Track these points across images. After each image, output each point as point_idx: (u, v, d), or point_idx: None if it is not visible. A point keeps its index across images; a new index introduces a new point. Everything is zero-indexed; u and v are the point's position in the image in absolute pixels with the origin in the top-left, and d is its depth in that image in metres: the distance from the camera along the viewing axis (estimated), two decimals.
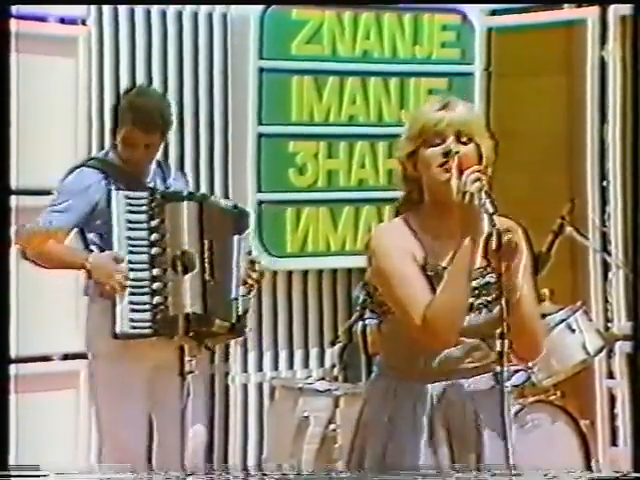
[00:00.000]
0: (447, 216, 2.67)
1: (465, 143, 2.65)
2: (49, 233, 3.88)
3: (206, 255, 3.92)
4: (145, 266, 3.87)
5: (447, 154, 2.63)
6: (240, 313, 3.97)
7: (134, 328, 3.83)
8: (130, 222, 3.88)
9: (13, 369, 4.20)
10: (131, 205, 3.89)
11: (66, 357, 4.76)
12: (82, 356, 4.30)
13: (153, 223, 3.89)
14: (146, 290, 3.86)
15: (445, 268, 2.64)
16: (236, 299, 3.96)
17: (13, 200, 4.13)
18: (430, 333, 2.60)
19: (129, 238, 3.87)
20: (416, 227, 2.69)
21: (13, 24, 4.11)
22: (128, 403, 3.91)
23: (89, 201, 3.95)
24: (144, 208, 3.89)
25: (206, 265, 3.91)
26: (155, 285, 3.86)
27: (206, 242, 3.92)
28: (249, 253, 4.08)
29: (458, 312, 2.60)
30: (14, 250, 3.94)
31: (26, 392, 4.45)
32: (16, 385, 4.22)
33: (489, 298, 2.65)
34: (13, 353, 4.11)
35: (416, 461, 2.65)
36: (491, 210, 2.60)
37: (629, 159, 5.30)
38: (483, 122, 2.72)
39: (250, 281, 4.02)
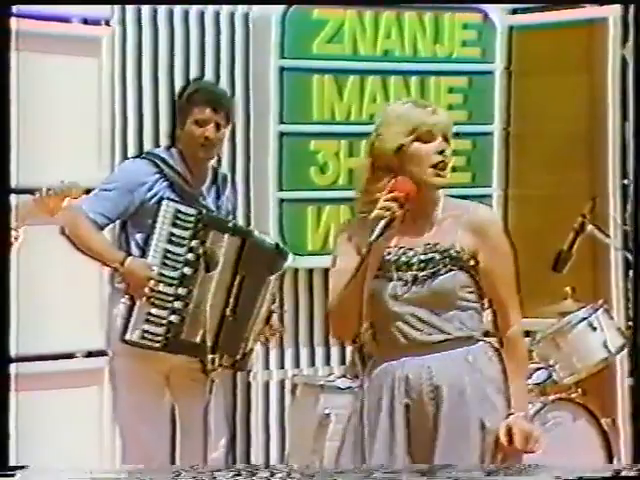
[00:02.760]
0: (414, 216, 2.87)
1: (449, 145, 2.89)
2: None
3: (234, 291, 3.88)
4: (174, 282, 3.84)
5: (441, 152, 2.85)
6: (246, 351, 3.94)
7: (143, 339, 3.81)
8: (172, 235, 3.84)
9: (22, 367, 4.19)
10: (178, 219, 3.84)
11: (90, 354, 4.77)
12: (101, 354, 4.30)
13: (194, 243, 3.85)
14: (167, 306, 3.83)
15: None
16: (247, 338, 3.93)
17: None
18: (332, 326, 2.91)
19: (166, 251, 3.83)
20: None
21: (30, 24, 4.10)
22: (147, 401, 3.89)
23: (139, 196, 3.91)
24: (189, 225, 3.84)
25: (231, 300, 3.87)
26: (177, 304, 3.83)
27: (238, 277, 3.88)
28: (273, 296, 4.03)
29: (342, 307, 2.81)
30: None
31: (36, 390, 4.45)
32: (21, 384, 4.22)
33: (432, 270, 2.82)
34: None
35: (375, 443, 2.78)
36: (373, 237, 2.78)
37: None
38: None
39: (263, 337, 4.00)
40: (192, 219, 3.85)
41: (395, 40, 5.29)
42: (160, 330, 3.81)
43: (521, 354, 2.90)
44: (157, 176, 3.95)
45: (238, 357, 3.91)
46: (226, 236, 3.88)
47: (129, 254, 3.91)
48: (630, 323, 5.08)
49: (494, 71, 5.42)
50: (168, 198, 3.88)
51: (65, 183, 3.83)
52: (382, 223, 2.77)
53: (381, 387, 2.82)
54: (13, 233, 3.82)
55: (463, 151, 5.46)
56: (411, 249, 2.83)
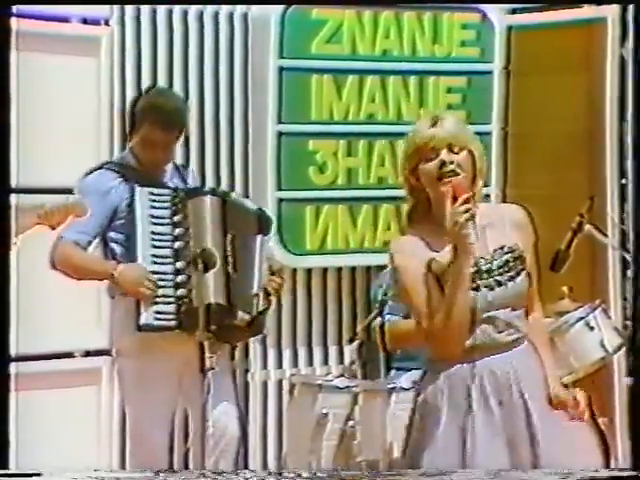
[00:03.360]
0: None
1: (457, 153, 2.93)
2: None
3: (229, 249, 3.91)
4: (169, 260, 3.86)
5: (442, 165, 2.91)
6: (260, 309, 3.96)
7: (158, 320, 3.82)
8: (153, 217, 3.87)
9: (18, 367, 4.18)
10: (155, 201, 3.88)
11: (88, 354, 4.76)
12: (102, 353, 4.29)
13: (176, 218, 3.88)
14: (170, 283, 3.85)
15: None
16: (257, 295, 3.94)
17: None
18: (435, 342, 2.92)
19: (153, 233, 3.86)
20: (424, 235, 2.95)
21: (30, 24, 4.10)
22: (152, 401, 3.89)
23: (110, 204, 3.93)
24: (167, 204, 3.89)
25: (229, 258, 3.90)
26: (179, 278, 3.86)
27: (229, 236, 3.91)
28: (271, 258, 4.06)
29: (458, 320, 2.87)
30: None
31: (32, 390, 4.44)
32: (20, 383, 4.21)
33: (511, 273, 2.94)
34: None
35: (477, 441, 2.85)
36: (472, 240, 2.87)
37: None
38: (471, 131, 3.01)
39: (270, 288, 4.00)
40: (168, 197, 3.90)
41: (394, 40, 5.28)
42: (171, 308, 3.83)
43: (542, 330, 3.10)
44: (119, 179, 3.98)
45: (253, 315, 3.93)
46: (207, 198, 3.91)
47: (119, 262, 3.93)
48: (628, 322, 5.07)
49: (493, 71, 5.42)
50: (140, 186, 3.90)
51: (70, 200, 3.85)
52: (470, 225, 2.85)
53: (466, 387, 2.90)
54: (13, 239, 3.82)
55: None
56: (482, 257, 2.92)
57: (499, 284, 2.92)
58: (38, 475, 2.95)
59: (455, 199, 2.88)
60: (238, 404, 4.19)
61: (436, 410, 2.93)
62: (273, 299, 4.10)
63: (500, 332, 2.92)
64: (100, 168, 4.09)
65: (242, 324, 3.94)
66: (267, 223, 4.10)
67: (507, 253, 2.94)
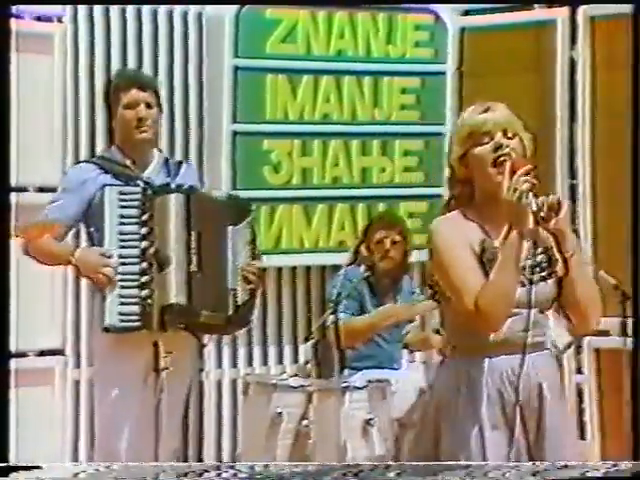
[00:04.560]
0: (499, 207, 2.78)
1: (511, 138, 2.79)
2: (45, 226, 3.81)
3: (193, 247, 3.85)
4: (135, 260, 3.80)
5: (498, 148, 2.77)
6: (239, 303, 3.89)
7: (122, 321, 3.77)
8: (122, 217, 3.81)
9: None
10: (124, 200, 3.82)
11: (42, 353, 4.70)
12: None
13: (144, 217, 3.82)
14: (135, 284, 3.78)
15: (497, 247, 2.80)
16: (234, 290, 3.89)
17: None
18: (481, 318, 2.74)
19: (120, 233, 3.80)
20: (472, 216, 2.82)
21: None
22: (120, 401, 3.85)
23: (84, 195, 3.87)
24: (136, 203, 3.81)
25: (192, 257, 3.84)
26: (144, 278, 3.79)
27: (194, 234, 3.86)
28: (252, 242, 3.99)
29: (507, 299, 2.74)
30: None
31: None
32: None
33: (544, 274, 2.81)
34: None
35: (494, 438, 2.75)
36: (534, 208, 2.72)
37: (598, 158, 5.28)
38: (520, 120, 2.84)
39: (250, 276, 3.94)
40: (137, 196, 3.83)
41: (348, 40, 5.26)
42: (135, 309, 3.76)
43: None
44: (98, 171, 3.92)
45: (230, 312, 3.87)
46: (171, 197, 3.86)
47: (77, 246, 3.89)
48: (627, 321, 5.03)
49: (446, 72, 5.42)
50: (110, 184, 3.86)
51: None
52: (531, 195, 2.69)
53: (483, 383, 2.79)
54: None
55: (416, 151, 5.45)
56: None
57: (530, 282, 2.77)
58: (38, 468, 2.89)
59: (512, 174, 2.70)
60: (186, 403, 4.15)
61: (451, 402, 2.80)
62: (258, 290, 4.03)
63: (525, 331, 2.77)
64: (83, 161, 4.09)
65: (214, 322, 3.89)
66: (240, 209, 4.03)
67: (542, 253, 2.80)
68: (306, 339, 4.69)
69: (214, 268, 3.87)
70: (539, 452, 2.78)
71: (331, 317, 4.40)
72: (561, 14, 5.29)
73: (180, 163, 4.14)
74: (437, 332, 5.21)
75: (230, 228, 3.93)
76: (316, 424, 4.26)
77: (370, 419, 4.29)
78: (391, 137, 5.38)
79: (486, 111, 2.80)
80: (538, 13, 5.43)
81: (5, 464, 3.31)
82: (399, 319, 4.68)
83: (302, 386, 4.35)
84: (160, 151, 4.08)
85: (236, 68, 5.01)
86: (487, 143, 2.77)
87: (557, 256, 2.78)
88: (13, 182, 4.14)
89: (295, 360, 5.20)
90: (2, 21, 3.77)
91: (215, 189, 4.34)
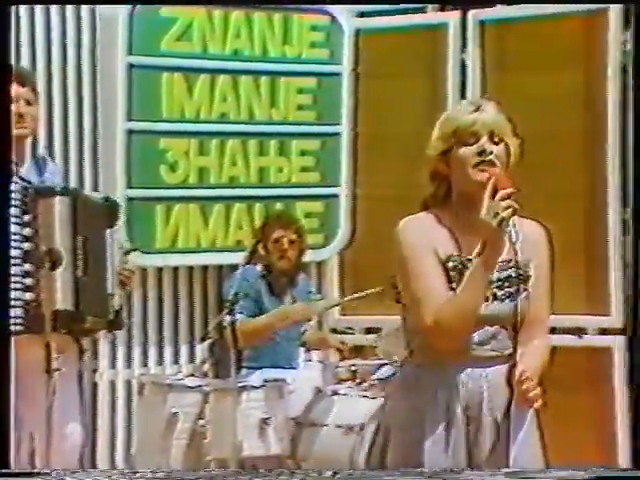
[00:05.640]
0: (474, 212, 2.67)
1: (497, 143, 2.67)
2: None
3: (79, 251, 3.78)
4: (18, 261, 3.70)
5: (482, 153, 2.65)
6: (117, 308, 3.85)
7: (14, 325, 3.67)
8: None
9: None
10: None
11: None
12: None
13: (26, 218, 3.73)
14: (19, 285, 3.70)
15: (469, 260, 2.66)
16: (112, 295, 3.84)
17: None
18: (437, 333, 2.61)
19: None
20: (446, 221, 2.70)
21: None
22: (16, 402, 3.75)
23: None
24: (17, 203, 3.73)
25: (79, 261, 3.77)
26: (28, 281, 3.71)
27: (80, 238, 3.78)
28: (121, 247, 3.97)
29: (467, 319, 2.62)
30: None
31: None
32: None
33: (512, 290, 2.67)
34: None
35: (434, 449, 2.64)
36: (514, 239, 2.61)
37: None
38: (509, 123, 2.72)
39: (124, 278, 3.90)
40: (18, 196, 3.74)
41: (245, 40, 5.21)
42: (19, 312, 3.68)
43: (537, 361, 2.77)
44: None
45: (110, 316, 3.81)
46: (57, 199, 3.78)
47: None
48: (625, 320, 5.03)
49: (342, 72, 5.42)
50: None
51: None
52: (511, 224, 2.57)
53: (436, 392, 2.67)
54: None
55: (312, 151, 5.44)
56: None
57: (495, 298, 2.66)
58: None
59: (494, 192, 2.59)
60: (83, 405, 4.08)
61: (403, 407, 2.70)
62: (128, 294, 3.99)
63: (482, 344, 2.67)
64: None
65: (97, 327, 3.83)
66: (115, 212, 3.98)
67: (511, 268, 2.65)
68: (202, 339, 4.65)
69: (97, 272, 3.81)
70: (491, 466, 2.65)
71: (228, 317, 4.36)
72: (453, 17, 5.34)
73: (44, 160, 4.07)
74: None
75: (108, 231, 3.88)
76: (212, 424, 4.21)
77: (266, 418, 4.26)
78: (288, 137, 5.35)
79: (476, 110, 2.68)
80: (431, 16, 5.46)
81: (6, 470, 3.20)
82: (296, 319, 4.66)
83: (199, 386, 4.30)
84: (34, 148, 4.01)
85: (131, 66, 4.92)
86: (472, 144, 2.65)
87: (529, 272, 2.66)
88: None
89: (192, 360, 5.14)
90: (2, 21, 3.67)
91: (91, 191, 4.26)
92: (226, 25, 5.14)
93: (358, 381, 4.53)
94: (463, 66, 5.31)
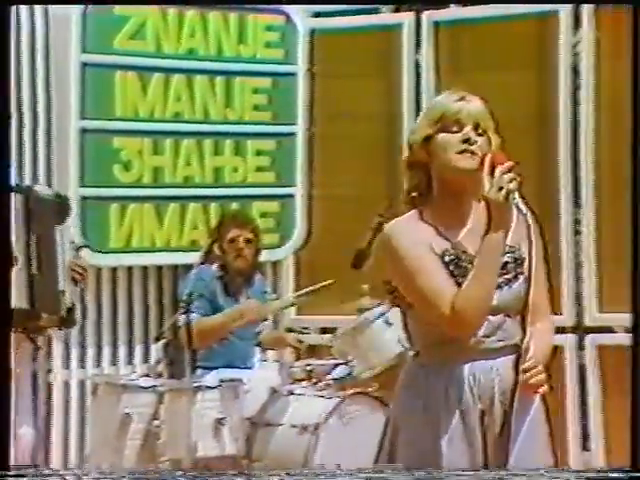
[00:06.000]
0: (458, 204, 2.65)
1: (481, 135, 2.63)
2: None
3: (33, 248, 3.73)
4: None
5: (466, 141, 2.60)
6: (69, 305, 3.80)
7: None
8: None
9: None
10: None
11: None
12: None
13: None
14: None
15: (464, 252, 2.62)
16: (64, 291, 3.80)
17: None
18: (459, 322, 2.57)
19: None
20: (429, 217, 2.65)
21: None
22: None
23: None
24: None
25: (32, 259, 3.73)
26: None
27: (33, 235, 3.74)
28: (72, 243, 3.92)
29: (486, 301, 2.58)
30: None
31: None
32: None
33: (509, 276, 2.63)
34: None
35: (452, 446, 2.60)
36: (524, 210, 2.59)
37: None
38: (493, 120, 2.67)
39: (76, 275, 3.86)
40: None
41: (200, 39, 5.17)
42: None
43: (547, 343, 2.74)
44: None
45: (63, 314, 3.77)
46: (10, 197, 3.74)
47: None
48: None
49: (297, 72, 5.41)
50: None
51: None
52: (517, 197, 2.53)
53: (446, 390, 2.62)
54: None
55: (267, 151, 5.42)
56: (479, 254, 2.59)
57: (498, 286, 2.61)
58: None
59: (492, 170, 2.54)
60: (36, 406, 4.03)
61: (412, 408, 2.64)
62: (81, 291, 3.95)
63: (487, 337, 2.61)
64: None
65: (51, 324, 3.79)
66: (66, 208, 3.94)
67: (507, 253, 2.61)
68: (157, 339, 4.61)
69: (50, 270, 3.77)
70: (503, 460, 2.59)
71: (183, 317, 4.33)
72: (407, 18, 5.35)
73: None
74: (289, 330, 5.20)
75: (59, 228, 3.84)
76: (167, 424, 4.18)
77: (221, 418, 4.23)
78: (243, 137, 5.33)
79: (462, 99, 2.63)
80: (385, 17, 5.47)
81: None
82: (251, 318, 4.64)
83: (153, 386, 4.26)
84: None
85: (84, 64, 4.87)
86: (455, 132, 2.61)
87: (523, 255, 2.62)
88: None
89: (146, 360, 5.10)
90: (2, 21, 3.62)
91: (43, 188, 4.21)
92: (180, 24, 5.11)
93: (314, 381, 4.52)
94: (417, 66, 5.32)
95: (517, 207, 2.56)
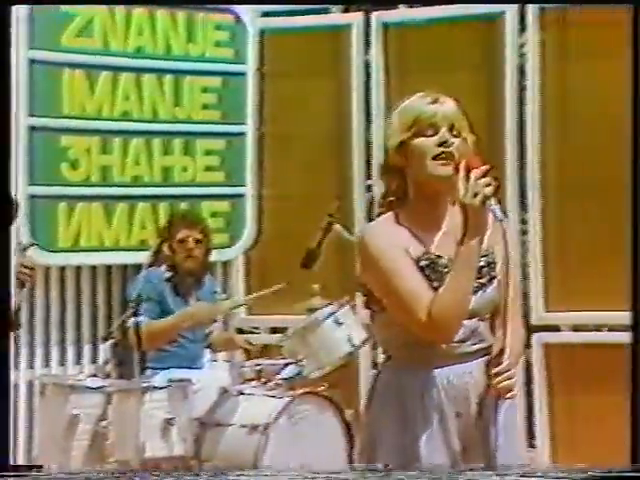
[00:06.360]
0: (433, 207, 2.63)
1: (456, 136, 2.60)
2: None
3: None
4: None
5: (443, 144, 2.57)
6: (15, 308, 3.77)
7: None
8: None
9: None
10: None
11: None
12: None
13: None
14: None
15: (439, 257, 2.59)
16: (8, 292, 3.74)
17: None
18: (435, 328, 2.54)
19: None
20: (404, 220, 2.62)
21: None
22: None
23: None
24: None
25: None
26: None
27: None
28: (19, 244, 3.87)
29: (464, 307, 2.56)
30: None
31: None
32: None
33: (483, 280, 2.61)
34: None
35: (430, 449, 2.58)
36: (500, 217, 2.56)
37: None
38: (466, 120, 2.64)
39: (22, 275, 3.81)
40: None
41: (148, 38, 5.13)
42: None
43: (520, 342, 2.76)
44: None
45: (11, 315, 3.71)
46: None
47: None
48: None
49: (247, 72, 5.39)
50: None
51: None
52: (493, 200, 2.51)
53: (422, 394, 2.60)
54: None
55: (217, 151, 5.39)
56: (452, 259, 2.57)
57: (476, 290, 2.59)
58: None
59: (467, 174, 2.52)
60: None
61: (388, 412, 2.61)
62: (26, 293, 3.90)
63: (463, 341, 2.60)
64: None
65: None
66: (12, 209, 3.87)
67: (482, 257, 2.59)
68: (105, 339, 4.57)
69: None
70: (482, 460, 2.60)
71: (131, 319, 4.30)
72: (356, 19, 5.35)
73: None
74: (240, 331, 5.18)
75: (8, 228, 3.79)
76: (115, 425, 4.14)
77: (170, 419, 4.20)
78: (193, 136, 5.29)
79: (435, 102, 2.60)
80: (334, 17, 5.47)
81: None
82: (201, 319, 4.62)
83: (101, 387, 4.22)
84: None
85: (32, 61, 4.81)
86: (430, 136, 2.57)
87: (496, 259, 2.61)
88: None
89: (94, 360, 5.05)
90: (2, 21, 3.55)
91: None
92: (128, 22, 5.06)
93: (263, 381, 4.50)
94: (367, 66, 5.33)
95: (493, 213, 2.55)
